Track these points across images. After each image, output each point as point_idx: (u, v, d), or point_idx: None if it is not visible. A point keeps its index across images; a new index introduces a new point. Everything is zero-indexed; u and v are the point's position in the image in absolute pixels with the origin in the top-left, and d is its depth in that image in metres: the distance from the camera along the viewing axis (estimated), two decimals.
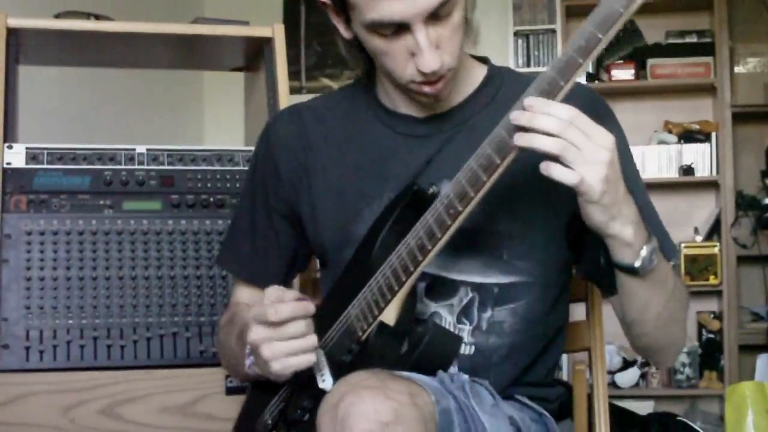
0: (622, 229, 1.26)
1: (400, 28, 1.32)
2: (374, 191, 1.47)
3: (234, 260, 1.65)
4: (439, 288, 1.43)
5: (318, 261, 1.68)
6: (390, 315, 1.34)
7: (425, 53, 1.32)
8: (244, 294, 1.64)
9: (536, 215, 1.44)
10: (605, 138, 1.20)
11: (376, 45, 1.36)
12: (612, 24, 1.18)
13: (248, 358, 1.40)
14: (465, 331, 1.43)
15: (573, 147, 1.18)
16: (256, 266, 1.61)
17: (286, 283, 1.67)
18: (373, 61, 1.47)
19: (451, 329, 1.43)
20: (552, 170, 1.20)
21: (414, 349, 1.33)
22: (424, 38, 1.31)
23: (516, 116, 1.20)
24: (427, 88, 1.38)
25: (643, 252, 1.28)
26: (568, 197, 1.41)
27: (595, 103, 1.45)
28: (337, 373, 1.34)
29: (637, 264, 1.28)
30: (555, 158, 1.20)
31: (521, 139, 1.20)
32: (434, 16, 1.31)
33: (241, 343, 1.44)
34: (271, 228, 1.59)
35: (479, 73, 1.52)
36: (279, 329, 1.29)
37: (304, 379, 1.38)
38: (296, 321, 1.30)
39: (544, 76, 1.21)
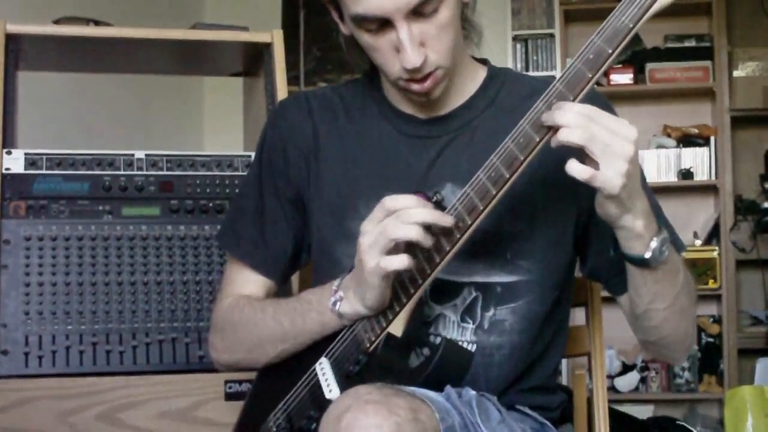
0: (633, 222, 1.26)
1: (385, 23, 1.32)
2: (373, 189, 1.46)
3: (238, 244, 1.59)
4: (443, 290, 1.43)
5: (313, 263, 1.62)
6: (397, 326, 1.34)
7: (407, 49, 1.32)
8: (246, 282, 1.58)
9: (540, 215, 1.44)
10: (629, 131, 1.20)
11: (365, 40, 1.37)
12: (622, 39, 1.18)
13: (335, 295, 1.37)
14: (468, 329, 1.44)
15: (599, 140, 1.18)
16: (263, 253, 1.56)
17: (289, 275, 1.64)
18: None
19: (455, 328, 1.43)
20: (570, 167, 1.20)
21: (426, 365, 1.33)
22: (405, 34, 1.31)
23: (545, 118, 1.21)
24: (414, 86, 1.38)
25: (653, 243, 1.28)
26: (574, 196, 1.42)
27: (595, 102, 1.46)
28: (345, 383, 1.33)
29: (648, 255, 1.29)
30: (580, 153, 1.20)
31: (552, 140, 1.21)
32: (418, 13, 1.31)
33: (303, 299, 1.44)
34: (279, 214, 1.56)
35: (480, 74, 1.52)
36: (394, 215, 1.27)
37: (311, 388, 1.39)
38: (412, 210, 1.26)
39: (553, 91, 1.21)
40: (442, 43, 1.36)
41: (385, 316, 1.34)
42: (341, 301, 1.37)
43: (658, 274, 1.32)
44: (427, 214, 1.26)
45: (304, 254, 1.60)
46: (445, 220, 1.27)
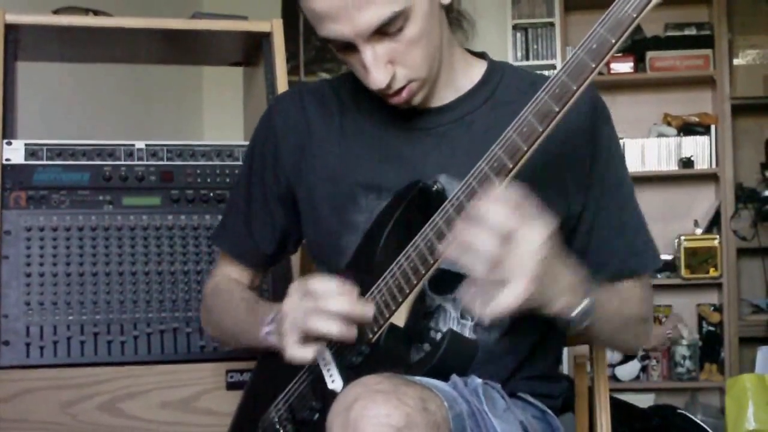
0: (553, 307, 1.25)
1: (350, 44, 1.33)
2: (371, 181, 1.47)
3: (226, 239, 1.67)
4: (443, 281, 1.43)
5: (311, 252, 1.64)
6: (399, 317, 1.34)
7: (371, 71, 1.33)
8: (233, 271, 1.68)
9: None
10: (537, 235, 1.15)
11: (339, 55, 1.39)
12: (625, 28, 1.17)
13: (269, 326, 1.41)
14: (467, 326, 1.43)
15: (504, 267, 1.14)
16: (247, 245, 1.63)
17: (274, 264, 1.72)
18: None
19: (455, 324, 1.43)
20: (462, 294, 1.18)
21: (431, 356, 1.32)
22: (369, 56, 1.32)
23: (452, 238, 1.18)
24: (390, 99, 1.40)
25: (573, 314, 1.27)
26: (563, 196, 1.42)
27: (597, 106, 1.46)
28: (347, 374, 1.33)
29: (571, 323, 1.29)
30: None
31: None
32: (381, 33, 1.31)
33: (253, 312, 1.50)
34: (264, 208, 1.60)
35: (478, 68, 1.51)
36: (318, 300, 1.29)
37: (313, 378, 1.39)
38: (337, 298, 1.28)
39: (556, 81, 1.20)
40: (413, 58, 1.35)
41: (387, 307, 1.34)
42: (270, 335, 1.41)
43: (588, 328, 1.33)
44: (346, 303, 1.27)
45: (290, 246, 1.66)
46: (365, 311, 1.28)
